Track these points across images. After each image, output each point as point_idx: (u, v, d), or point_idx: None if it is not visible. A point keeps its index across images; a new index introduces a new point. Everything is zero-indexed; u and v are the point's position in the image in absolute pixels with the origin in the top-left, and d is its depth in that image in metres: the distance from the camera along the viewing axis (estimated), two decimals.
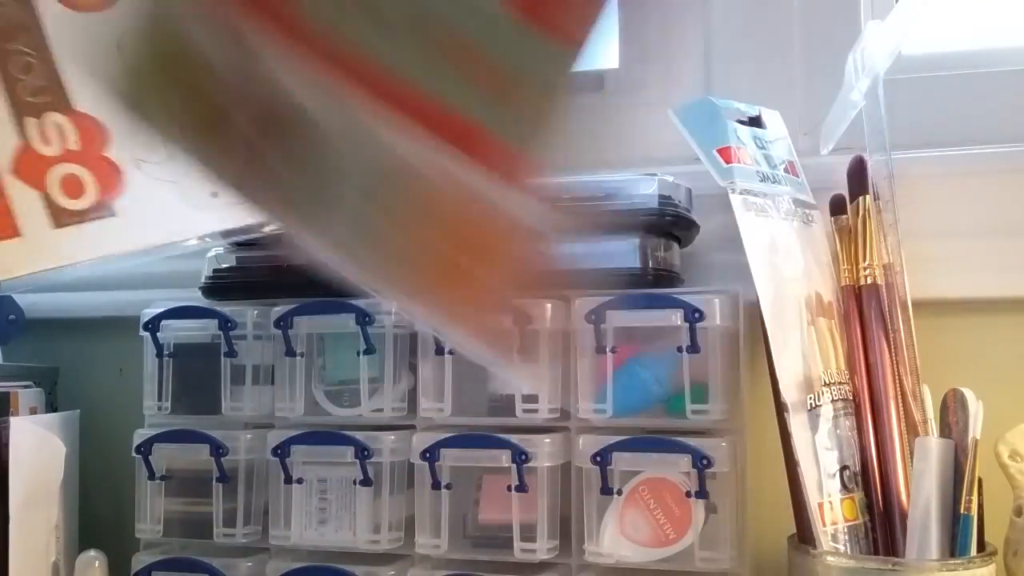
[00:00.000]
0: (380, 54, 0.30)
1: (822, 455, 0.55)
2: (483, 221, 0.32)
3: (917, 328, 0.58)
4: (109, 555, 0.68)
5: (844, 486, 0.56)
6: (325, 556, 0.64)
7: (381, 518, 0.62)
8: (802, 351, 0.57)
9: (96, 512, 0.78)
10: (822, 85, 0.70)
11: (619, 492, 0.58)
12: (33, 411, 0.75)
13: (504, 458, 0.59)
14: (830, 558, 0.53)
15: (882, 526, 0.56)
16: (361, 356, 0.63)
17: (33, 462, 0.70)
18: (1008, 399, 0.60)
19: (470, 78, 0.30)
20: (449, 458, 0.60)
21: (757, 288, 0.56)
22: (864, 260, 0.60)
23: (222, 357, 0.66)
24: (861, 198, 0.61)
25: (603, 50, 0.80)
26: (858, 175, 0.62)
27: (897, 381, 0.58)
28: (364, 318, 0.62)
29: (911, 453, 0.55)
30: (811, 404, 0.55)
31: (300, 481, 0.63)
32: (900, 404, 0.57)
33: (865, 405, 0.58)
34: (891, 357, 0.58)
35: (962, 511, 0.51)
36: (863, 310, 0.60)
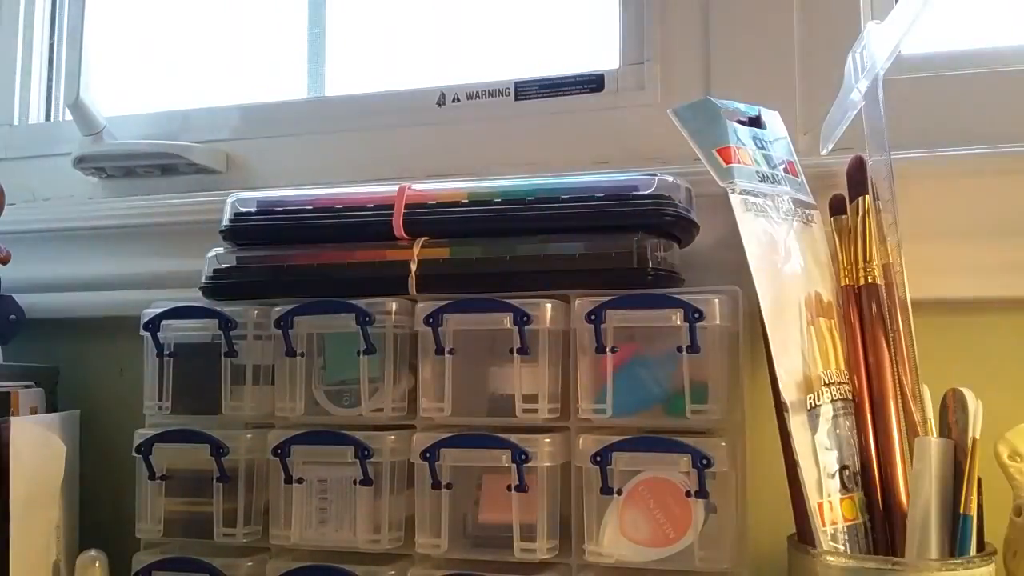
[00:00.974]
0: None
1: (822, 455, 0.55)
2: None
3: (917, 328, 0.58)
4: (109, 555, 0.69)
5: (844, 486, 0.56)
6: (325, 556, 0.64)
7: (381, 518, 0.62)
8: (802, 351, 0.57)
9: (96, 512, 0.78)
10: (822, 85, 0.70)
11: (619, 492, 0.58)
12: (33, 411, 0.75)
13: (504, 458, 0.59)
14: (830, 558, 0.53)
15: (882, 526, 0.56)
16: (361, 356, 0.63)
17: (33, 462, 0.70)
18: (1008, 399, 0.60)
19: None
20: (449, 458, 0.60)
21: (757, 288, 0.56)
22: (864, 260, 0.60)
23: (222, 357, 0.66)
24: (861, 198, 0.61)
25: (603, 50, 0.81)
26: (858, 175, 0.62)
27: (897, 381, 0.58)
28: (364, 318, 0.62)
29: (911, 453, 0.55)
30: (811, 404, 0.55)
31: (300, 481, 0.63)
32: (900, 404, 0.57)
33: (865, 405, 0.58)
34: (891, 357, 0.58)
35: (962, 511, 0.51)
36: (863, 310, 0.60)
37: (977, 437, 0.51)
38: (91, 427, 0.78)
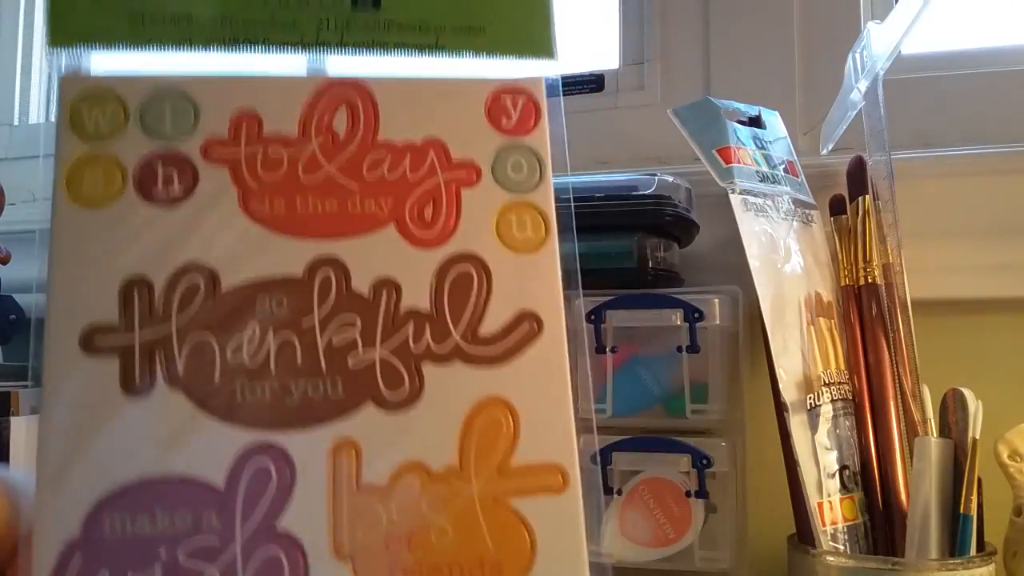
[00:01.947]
0: None
1: (822, 455, 0.55)
2: None
3: (917, 328, 0.58)
4: None
5: (844, 486, 0.56)
6: None
7: None
8: (802, 351, 0.57)
9: None
10: (822, 85, 0.70)
11: (619, 492, 0.58)
12: (34, 411, 0.75)
13: None
14: (830, 558, 0.53)
15: (882, 526, 0.56)
16: None
17: (34, 462, 0.70)
18: (1008, 399, 0.60)
19: None
20: None
21: (757, 288, 0.56)
22: (864, 260, 0.60)
23: None
24: (861, 198, 0.61)
25: (603, 50, 0.81)
26: (858, 175, 0.62)
27: (897, 381, 0.58)
28: None
29: (911, 453, 0.55)
30: (811, 404, 0.56)
31: None
32: (900, 404, 0.57)
33: (865, 405, 0.58)
34: (891, 357, 0.58)
35: (961, 511, 0.51)
36: (863, 310, 0.60)
37: (977, 437, 0.51)
38: None
